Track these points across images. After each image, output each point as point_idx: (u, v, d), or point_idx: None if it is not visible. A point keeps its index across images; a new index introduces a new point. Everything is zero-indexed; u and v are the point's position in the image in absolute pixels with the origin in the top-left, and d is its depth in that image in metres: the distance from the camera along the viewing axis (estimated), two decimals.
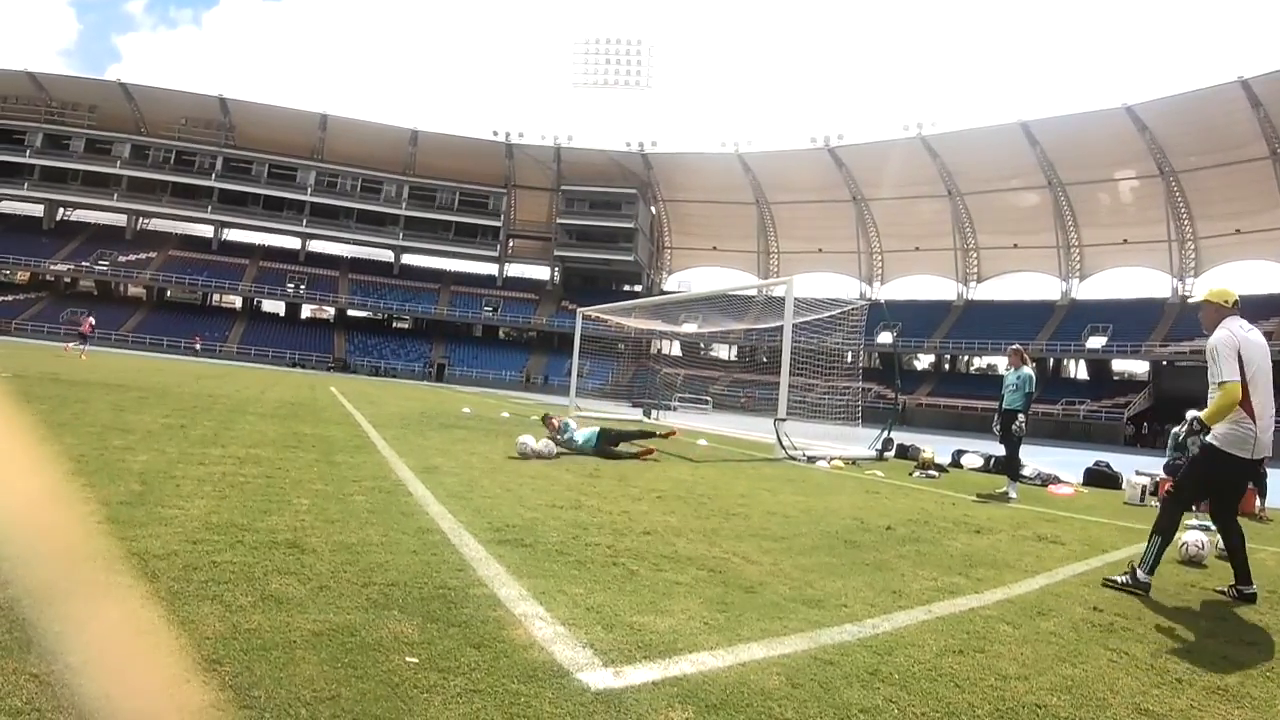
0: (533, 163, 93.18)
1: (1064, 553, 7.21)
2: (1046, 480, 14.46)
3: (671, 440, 14.74)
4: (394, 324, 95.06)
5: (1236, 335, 5.58)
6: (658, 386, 56.74)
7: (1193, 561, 7.06)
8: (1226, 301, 5.89)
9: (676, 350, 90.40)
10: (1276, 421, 5.91)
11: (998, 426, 12.64)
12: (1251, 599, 5.56)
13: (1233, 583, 5.72)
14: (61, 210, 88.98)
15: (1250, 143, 63.28)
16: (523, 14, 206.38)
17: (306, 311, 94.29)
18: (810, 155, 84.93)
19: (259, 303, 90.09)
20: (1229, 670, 3.98)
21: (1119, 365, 75.16)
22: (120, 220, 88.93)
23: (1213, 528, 8.90)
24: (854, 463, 15.78)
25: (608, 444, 12.27)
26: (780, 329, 18.70)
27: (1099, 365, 74.90)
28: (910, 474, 14.37)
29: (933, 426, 59.73)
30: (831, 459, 15.28)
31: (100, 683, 2.55)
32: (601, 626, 3.67)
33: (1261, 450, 5.50)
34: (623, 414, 31.62)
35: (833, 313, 19.64)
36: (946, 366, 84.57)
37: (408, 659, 3.06)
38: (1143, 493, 12.73)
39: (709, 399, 53.42)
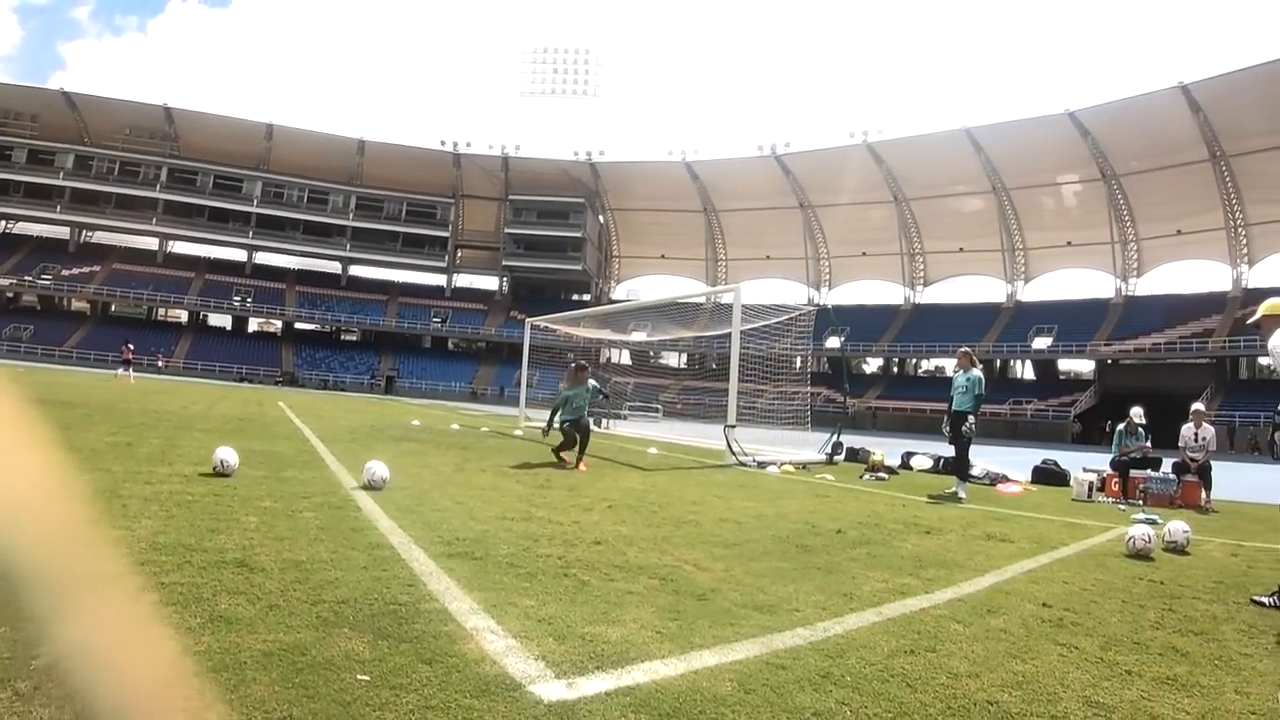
0: (481, 172, 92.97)
1: (1013, 550, 7.33)
2: (995, 479, 14.62)
3: (621, 449, 14.70)
4: (342, 336, 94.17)
5: None
6: (609, 395, 56.68)
7: (1140, 555, 7.20)
8: None
9: (626, 359, 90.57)
10: None
11: (947, 428, 12.83)
12: None
13: None
14: (3, 223, 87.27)
15: (1190, 146, 65.08)
16: (470, 23, 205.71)
17: (253, 325, 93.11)
18: (757, 163, 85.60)
19: (205, 316, 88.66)
20: (1178, 661, 4.05)
21: (1065, 364, 76.78)
22: (63, 233, 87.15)
23: (1159, 521, 9.12)
24: (804, 467, 15.88)
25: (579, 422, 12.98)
26: (729, 335, 18.86)
27: (1045, 365, 76.33)
28: (860, 477, 14.47)
29: (883, 429, 60.29)
30: (782, 464, 15.39)
31: (48, 710, 2.50)
32: (553, 638, 3.66)
33: None
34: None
35: (781, 318, 19.75)
36: (895, 369, 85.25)
37: (359, 677, 3.03)
38: (1089, 489, 12.92)
39: (659, 407, 53.43)
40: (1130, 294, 73.75)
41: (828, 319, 72.03)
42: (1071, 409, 65.03)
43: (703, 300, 72.61)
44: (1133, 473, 13.37)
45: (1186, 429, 13.44)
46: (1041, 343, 71.99)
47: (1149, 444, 14.22)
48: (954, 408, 12.56)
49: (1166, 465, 13.57)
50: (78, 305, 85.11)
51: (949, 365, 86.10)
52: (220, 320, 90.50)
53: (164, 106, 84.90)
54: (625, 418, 47.34)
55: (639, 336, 60.13)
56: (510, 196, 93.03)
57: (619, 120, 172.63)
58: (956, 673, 3.62)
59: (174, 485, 7.25)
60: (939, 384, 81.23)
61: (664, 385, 79.75)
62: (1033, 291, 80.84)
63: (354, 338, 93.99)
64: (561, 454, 12.80)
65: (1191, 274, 72.02)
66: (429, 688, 2.98)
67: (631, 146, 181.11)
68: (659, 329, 50.88)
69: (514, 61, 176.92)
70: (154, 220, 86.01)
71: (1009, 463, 17.84)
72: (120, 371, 40.97)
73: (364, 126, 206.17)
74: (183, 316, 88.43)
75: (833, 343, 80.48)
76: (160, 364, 69.69)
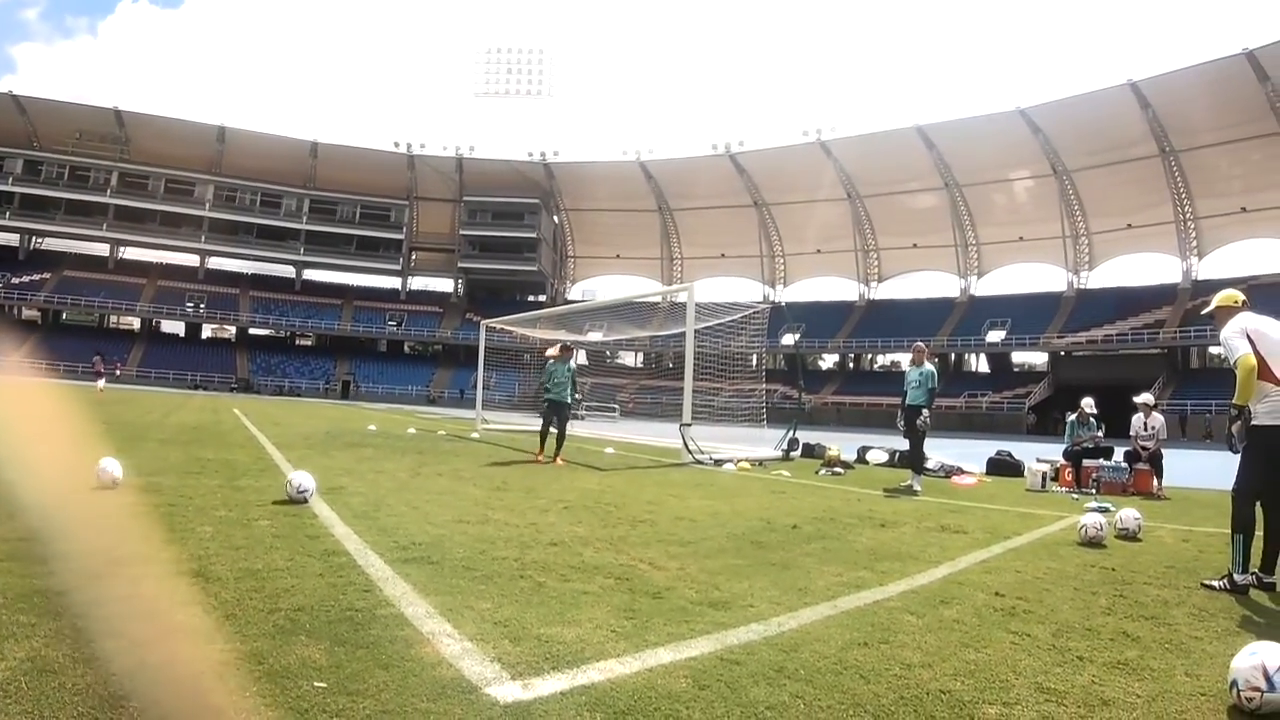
0: (435, 174, 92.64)
1: (966, 541, 7.41)
2: (950, 471, 14.79)
3: (578, 449, 14.75)
4: (297, 341, 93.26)
5: (1243, 322, 5.90)
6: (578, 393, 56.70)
7: (1092, 543, 7.30)
8: (1236, 302, 6.20)
9: (583, 359, 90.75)
10: None
11: (902, 422, 13.01)
12: (1271, 587, 5.68)
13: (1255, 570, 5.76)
14: None
15: (1140, 142, 66.58)
16: (423, 23, 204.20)
17: (207, 331, 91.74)
18: (711, 162, 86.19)
19: (158, 323, 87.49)
20: (1129, 645, 4.12)
21: (1019, 357, 78.34)
22: (13, 240, 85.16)
23: (1111, 509, 9.27)
24: (760, 464, 16.00)
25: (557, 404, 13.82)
26: (685, 334, 18.97)
27: (1000, 358, 77.76)
28: (816, 472, 14.56)
29: (839, 424, 60.84)
30: (738, 461, 15.44)
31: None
32: (509, 640, 3.69)
33: None
34: (530, 425, 31.54)
35: (735, 317, 19.85)
36: (851, 365, 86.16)
37: (316, 684, 3.03)
38: (1043, 479, 13.09)
39: (616, 406, 53.48)
40: (1082, 287, 75.07)
41: (782, 317, 72.71)
42: (1025, 401, 66.07)
43: (658, 300, 72.67)
44: (1085, 462, 13.50)
45: (1137, 419, 13.68)
46: (995, 336, 73.03)
47: (1101, 433, 14.38)
48: (908, 402, 12.77)
49: (1119, 454, 13.77)
50: (28, 314, 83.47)
51: (904, 360, 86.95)
52: (173, 327, 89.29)
53: (114, 109, 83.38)
54: (583, 418, 47.41)
55: (595, 337, 60.09)
56: (465, 198, 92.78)
57: (574, 120, 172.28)
58: (909, 663, 3.67)
59: (128, 497, 7.23)
60: (895, 379, 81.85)
61: (621, 385, 79.98)
62: (986, 286, 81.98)
63: (309, 342, 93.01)
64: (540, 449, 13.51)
65: (1142, 267, 73.33)
66: (385, 693, 3.00)
67: (586, 146, 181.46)
68: (615, 329, 50.91)
69: (468, 62, 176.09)
70: (105, 226, 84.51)
71: (964, 455, 18.08)
72: (100, 385, 41.52)
73: (317, 128, 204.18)
74: (135, 324, 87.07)
75: (788, 339, 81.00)
76: (117, 371, 68.87)
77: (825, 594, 5.03)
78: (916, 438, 12.67)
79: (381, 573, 4.89)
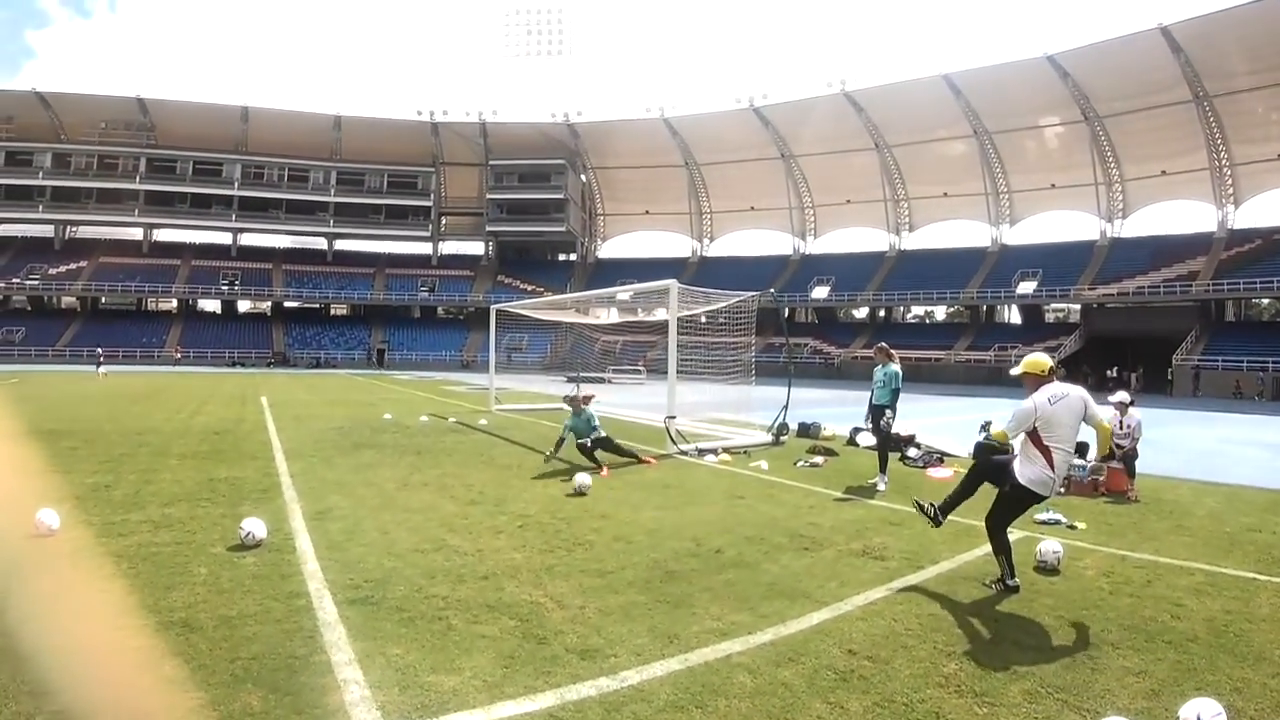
0: (459, 139, 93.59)
1: (878, 572, 7.47)
2: (929, 462, 14.88)
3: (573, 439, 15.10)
4: (331, 312, 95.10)
5: (1041, 400, 6.56)
6: (596, 355, 57.44)
7: (1050, 571, 7.49)
8: (1043, 371, 6.78)
9: (615, 317, 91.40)
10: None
11: (868, 421, 13.44)
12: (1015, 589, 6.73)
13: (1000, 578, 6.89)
14: None
15: (1173, 87, 65.51)
16: None
17: (243, 307, 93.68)
18: (736, 116, 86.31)
19: (194, 302, 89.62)
20: None
21: (1054, 307, 77.68)
22: (47, 231, 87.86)
23: (1062, 520, 9.70)
24: (745, 452, 16.14)
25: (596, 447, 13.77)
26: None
27: (1032, 309, 77.23)
28: (795, 463, 14.67)
29: (869, 378, 61.21)
30: (720, 451, 15.82)
31: None
32: (399, 688, 4.56)
33: (1054, 490, 6.77)
34: (556, 389, 32.17)
35: (723, 304, 20.37)
36: (882, 316, 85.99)
37: None
38: None
39: (642, 369, 53.88)
40: (1116, 236, 74.34)
41: (793, 287, 72.65)
42: (1055, 354, 65.17)
43: (688, 253, 72.50)
44: None
45: (1112, 415, 13.82)
46: (1026, 288, 72.48)
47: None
48: (873, 401, 13.09)
49: (1092, 453, 13.78)
50: (67, 302, 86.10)
51: (939, 312, 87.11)
52: (210, 305, 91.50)
53: (137, 98, 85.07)
54: (610, 381, 48.19)
55: (607, 317, 60.51)
56: (490, 162, 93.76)
57: (596, 79, 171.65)
58: None
59: (143, 536, 8.11)
60: (927, 331, 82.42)
61: (652, 342, 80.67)
62: (1018, 234, 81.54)
63: (344, 312, 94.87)
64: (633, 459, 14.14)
65: (1178, 215, 72.69)
66: None
67: (610, 105, 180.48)
68: (639, 302, 51.31)
69: (487, 25, 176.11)
70: (136, 211, 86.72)
71: (972, 422, 18.04)
72: (101, 371, 46.14)
73: (339, 101, 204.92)
74: (172, 304, 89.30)
75: (819, 293, 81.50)
76: (177, 356, 71.00)
77: (690, 643, 5.41)
78: (881, 436, 12.83)
79: (328, 616, 5.78)
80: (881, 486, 12.18)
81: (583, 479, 11.43)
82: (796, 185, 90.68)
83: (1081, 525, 9.67)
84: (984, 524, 7.03)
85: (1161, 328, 62.48)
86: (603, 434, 13.91)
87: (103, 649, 4.27)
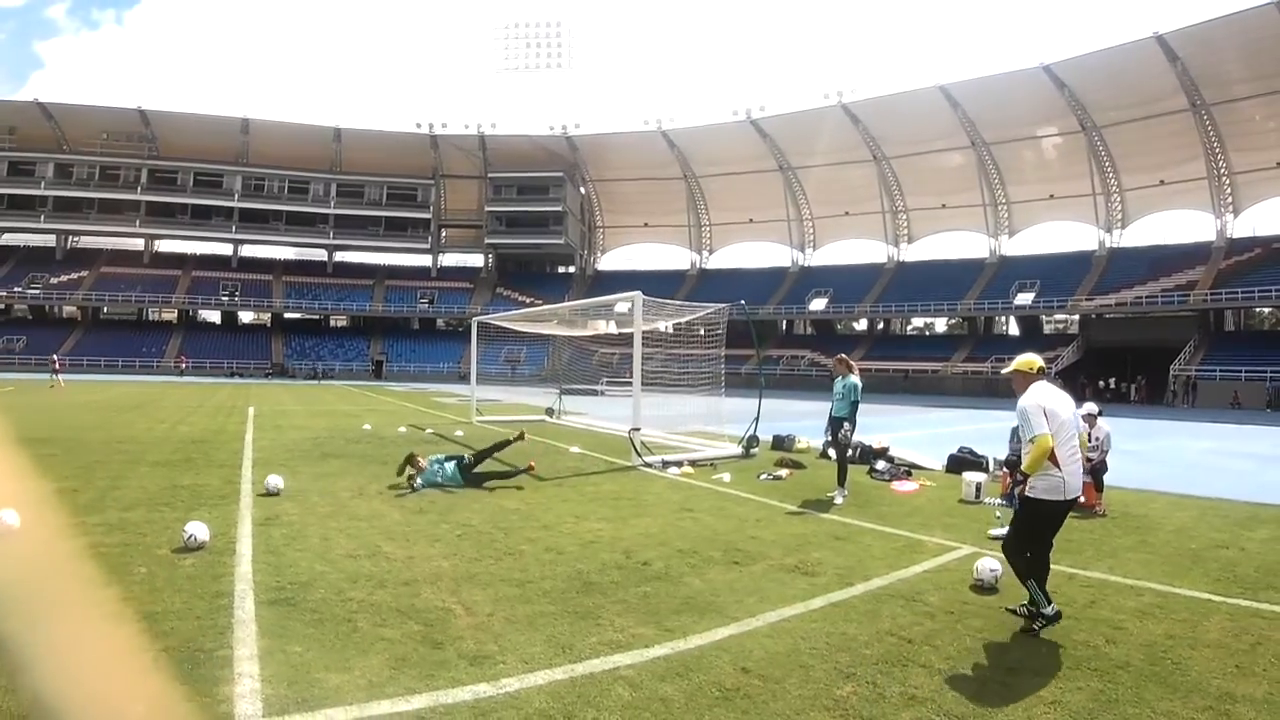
0: (459, 152, 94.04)
1: (805, 588, 7.38)
2: (895, 474, 14.70)
3: (546, 451, 15.30)
4: (331, 323, 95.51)
5: (1039, 397, 6.30)
6: (593, 368, 57.56)
7: (988, 590, 7.35)
8: (1033, 369, 6.64)
9: (614, 328, 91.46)
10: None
11: (828, 433, 13.34)
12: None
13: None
14: None
15: (1169, 96, 65.30)
16: (439, 2, 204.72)
17: (244, 318, 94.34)
18: (733, 128, 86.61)
19: (195, 313, 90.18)
20: None
21: (1057, 318, 77.41)
22: (49, 241, 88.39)
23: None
24: (712, 464, 16.26)
25: (470, 471, 12.90)
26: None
27: (1030, 319, 77.15)
28: (758, 476, 14.62)
29: (868, 391, 61.12)
30: (685, 463, 15.87)
31: None
32: (287, 683, 4.82)
33: (1070, 493, 6.22)
34: (542, 401, 32.30)
35: (695, 315, 20.63)
36: (881, 329, 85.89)
37: (137, 708, 4.28)
38: (977, 489, 12.64)
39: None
40: (1115, 246, 74.27)
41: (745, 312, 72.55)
42: (1053, 365, 64.51)
43: (688, 266, 72.35)
44: None
45: (1081, 428, 13.57)
46: (1024, 299, 72.46)
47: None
48: (832, 414, 12.92)
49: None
50: (68, 312, 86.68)
51: (938, 324, 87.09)
52: (210, 316, 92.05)
53: (139, 109, 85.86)
54: (603, 394, 48.32)
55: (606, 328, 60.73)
56: (489, 174, 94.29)
57: (594, 92, 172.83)
58: None
59: (96, 536, 8.50)
60: (925, 343, 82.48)
61: (649, 354, 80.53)
62: (1018, 245, 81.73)
63: (343, 323, 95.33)
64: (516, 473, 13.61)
65: (1177, 225, 72.39)
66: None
67: (608, 117, 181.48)
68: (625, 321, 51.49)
69: (486, 38, 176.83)
70: (137, 222, 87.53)
71: (966, 434, 17.73)
72: (55, 378, 46.59)
73: (339, 114, 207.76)
74: (172, 315, 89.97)
75: (817, 305, 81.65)
76: (183, 366, 71.48)
77: (581, 654, 5.49)
78: (840, 449, 12.74)
79: (245, 615, 6.08)
80: (839, 500, 12.14)
81: (274, 480, 11.63)
82: (795, 197, 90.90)
83: None
84: (1001, 551, 6.74)
85: (1160, 338, 62.31)
86: (457, 475, 12.91)
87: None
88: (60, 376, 47.51)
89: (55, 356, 53.51)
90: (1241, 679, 5.22)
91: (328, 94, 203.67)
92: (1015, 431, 13.39)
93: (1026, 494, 6.25)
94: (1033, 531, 6.37)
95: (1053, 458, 6.07)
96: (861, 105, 79.52)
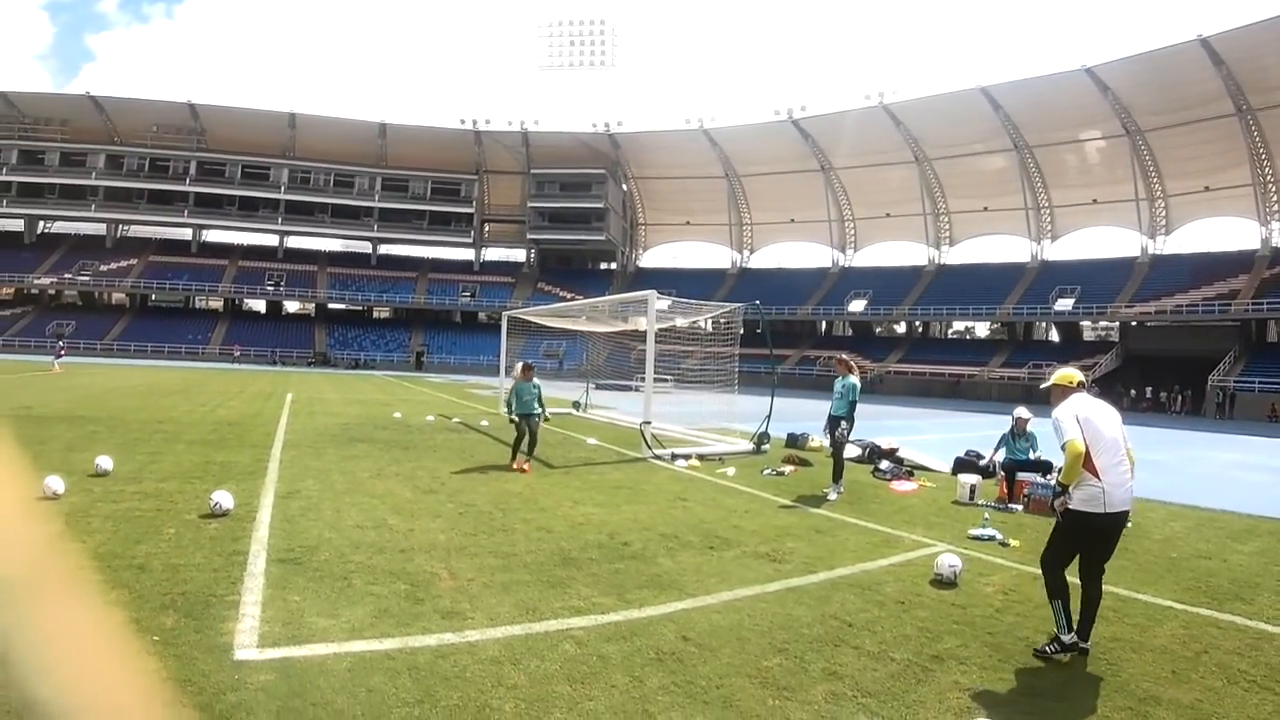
0: (502, 148, 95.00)
1: (765, 573, 7.64)
2: (896, 474, 14.75)
3: (563, 441, 15.82)
4: (374, 314, 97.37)
5: (1075, 407, 6.08)
6: (631, 364, 58.00)
7: (946, 585, 7.43)
8: (1072, 383, 6.34)
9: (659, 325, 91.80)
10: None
11: (826, 432, 13.42)
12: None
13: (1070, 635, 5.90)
14: (41, 223, 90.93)
15: (1215, 100, 63.91)
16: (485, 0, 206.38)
17: (288, 307, 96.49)
18: (775, 128, 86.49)
19: (240, 302, 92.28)
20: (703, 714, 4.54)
21: (1100, 325, 76.65)
22: (99, 229, 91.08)
23: (998, 537, 9.59)
24: (721, 459, 16.51)
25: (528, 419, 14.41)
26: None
27: (1070, 327, 76.60)
28: (763, 472, 14.88)
29: (903, 394, 61.12)
30: (693, 457, 16.25)
31: None
32: (282, 623, 5.59)
33: (1113, 505, 5.82)
34: (571, 395, 32.84)
35: (713, 314, 21.11)
36: (920, 332, 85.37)
37: (154, 637, 5.08)
38: (971, 491, 12.57)
39: (668, 378, 54.40)
40: (1157, 253, 72.89)
41: (757, 313, 72.44)
42: (1091, 373, 63.49)
43: (727, 264, 72.24)
44: (1020, 475, 12.90)
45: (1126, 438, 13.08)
46: (1064, 305, 71.58)
47: (1041, 453, 13.57)
48: (830, 413, 12.99)
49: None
50: (117, 299, 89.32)
51: (978, 329, 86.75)
52: (255, 305, 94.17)
53: (188, 103, 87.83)
54: (636, 389, 48.79)
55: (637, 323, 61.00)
56: (532, 170, 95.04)
57: (637, 90, 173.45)
58: (485, 705, 4.48)
59: (133, 503, 9.36)
60: (964, 347, 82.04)
61: (689, 351, 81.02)
62: (1060, 250, 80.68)
63: (386, 315, 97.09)
64: (516, 459, 14.21)
65: (1222, 231, 71.39)
66: (182, 645, 5.03)
67: (650, 116, 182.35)
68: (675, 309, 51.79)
69: (530, 36, 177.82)
70: (186, 212, 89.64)
71: (990, 440, 17.68)
72: (55, 362, 46.55)
73: (384, 109, 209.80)
74: (218, 304, 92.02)
75: (856, 306, 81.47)
76: (236, 354, 73.25)
77: (541, 615, 6.02)
78: (837, 447, 12.85)
79: (255, 569, 6.90)
80: (833, 496, 12.37)
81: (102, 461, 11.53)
82: (836, 198, 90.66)
83: (1015, 543, 9.37)
84: (1039, 564, 6.33)
85: (1200, 348, 60.78)
86: (536, 410, 14.55)
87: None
88: (58, 362, 47.56)
89: (60, 344, 54.84)
90: (1174, 684, 5.24)
91: (373, 90, 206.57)
92: (1003, 439, 13.88)
93: (1069, 506, 5.94)
94: (1070, 547, 6.05)
95: (1090, 466, 5.81)
96: (903, 106, 79.06)
